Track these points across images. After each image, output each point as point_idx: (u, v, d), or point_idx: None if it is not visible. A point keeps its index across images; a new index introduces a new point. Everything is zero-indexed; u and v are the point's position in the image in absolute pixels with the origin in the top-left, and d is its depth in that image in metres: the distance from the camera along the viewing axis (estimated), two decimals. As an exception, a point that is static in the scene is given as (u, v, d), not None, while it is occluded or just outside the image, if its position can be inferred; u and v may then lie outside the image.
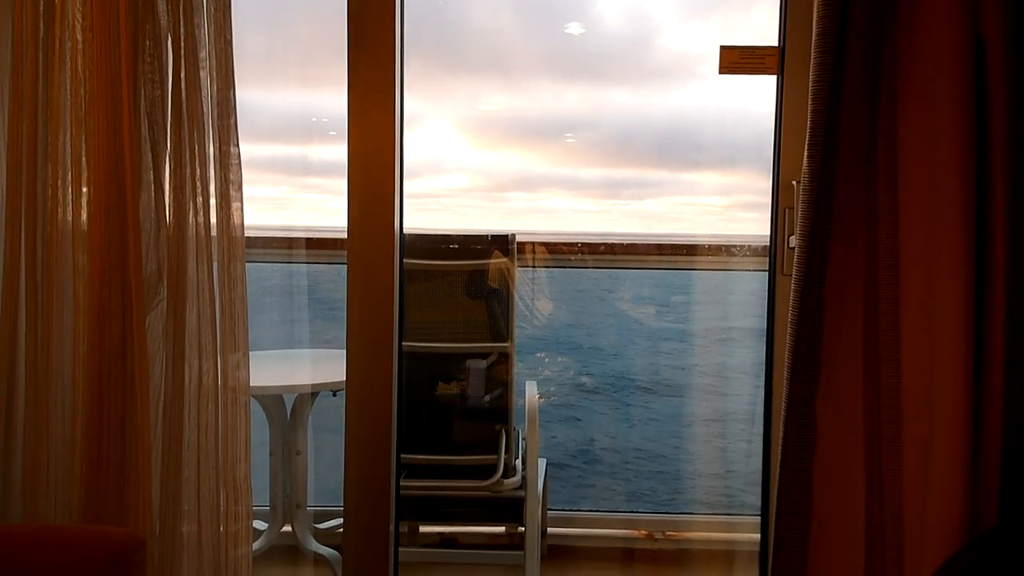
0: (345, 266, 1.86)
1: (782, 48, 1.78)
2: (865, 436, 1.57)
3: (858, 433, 1.57)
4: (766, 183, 1.84)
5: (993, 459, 1.52)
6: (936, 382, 1.52)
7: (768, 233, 1.84)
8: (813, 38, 1.52)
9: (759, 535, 1.94)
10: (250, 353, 1.69)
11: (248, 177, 1.68)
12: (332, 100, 1.87)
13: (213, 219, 1.64)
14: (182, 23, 1.60)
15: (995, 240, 1.50)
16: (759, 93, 1.85)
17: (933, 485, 1.52)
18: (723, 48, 1.81)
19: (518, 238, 2.55)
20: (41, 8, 1.61)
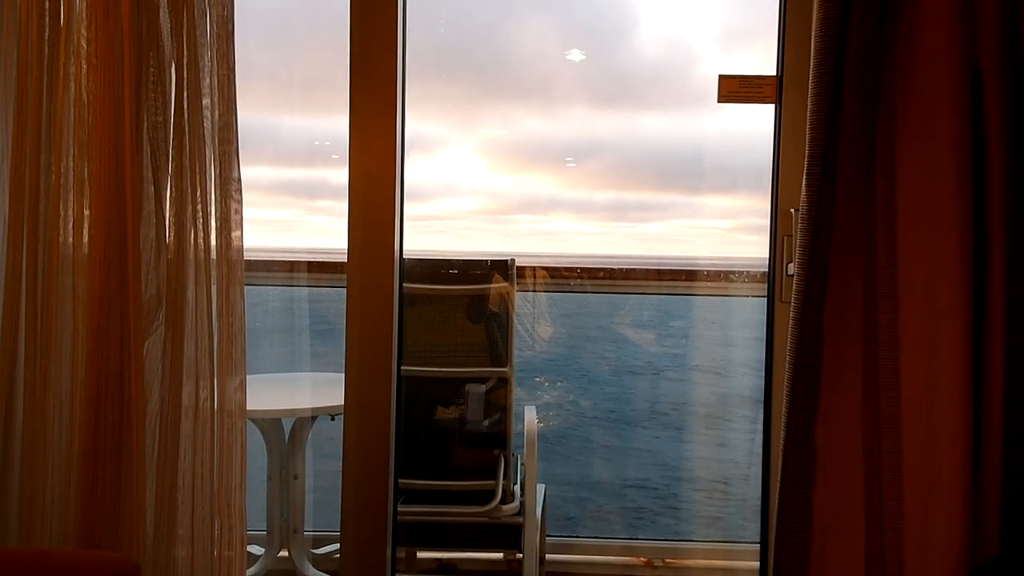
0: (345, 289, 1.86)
1: (780, 77, 1.79)
2: (865, 464, 1.56)
3: (858, 461, 1.57)
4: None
5: (994, 487, 1.52)
6: (936, 410, 1.51)
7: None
8: (811, 68, 1.53)
9: (758, 563, 1.92)
10: (249, 376, 1.69)
11: (257, 200, 1.69)
12: (338, 123, 1.88)
13: (213, 243, 1.65)
14: (185, 50, 1.62)
15: (993, 268, 1.51)
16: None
17: (934, 514, 1.51)
18: (722, 77, 1.82)
19: (519, 261, 2.56)
20: (47, 34, 1.62)
